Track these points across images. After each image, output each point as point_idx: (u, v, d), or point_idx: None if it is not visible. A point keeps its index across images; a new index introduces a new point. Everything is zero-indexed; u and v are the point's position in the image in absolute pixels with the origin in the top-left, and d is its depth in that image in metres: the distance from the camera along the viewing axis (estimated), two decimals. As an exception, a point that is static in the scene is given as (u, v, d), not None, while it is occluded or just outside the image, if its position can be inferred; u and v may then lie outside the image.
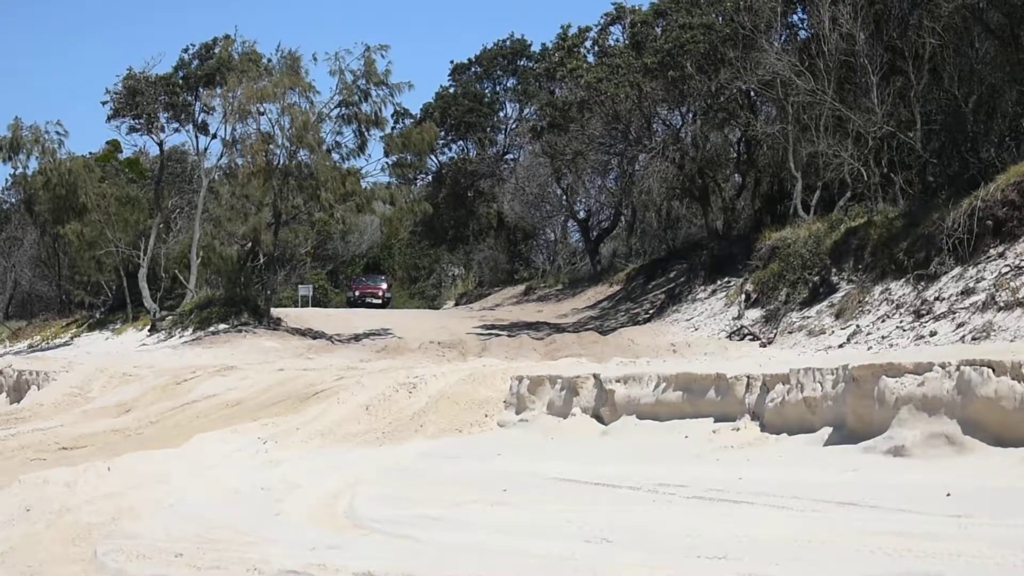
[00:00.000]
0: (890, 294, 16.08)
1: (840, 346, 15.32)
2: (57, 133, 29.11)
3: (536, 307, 34.42)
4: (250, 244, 28.42)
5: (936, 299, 14.75)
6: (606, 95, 26.62)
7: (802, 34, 25.21)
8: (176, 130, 31.78)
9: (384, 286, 46.26)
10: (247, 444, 10.64)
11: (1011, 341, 12.01)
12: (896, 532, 5.00)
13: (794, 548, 4.97)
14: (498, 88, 47.98)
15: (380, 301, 44.51)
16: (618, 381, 9.49)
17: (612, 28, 30.98)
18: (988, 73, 19.07)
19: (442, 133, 43.00)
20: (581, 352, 17.73)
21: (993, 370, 6.17)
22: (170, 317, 28.26)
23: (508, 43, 47.12)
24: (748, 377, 8.15)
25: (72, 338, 32.10)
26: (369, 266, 52.32)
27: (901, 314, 15.23)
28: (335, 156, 27.10)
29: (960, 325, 13.53)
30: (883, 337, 14.79)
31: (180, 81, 30.46)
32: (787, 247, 19.46)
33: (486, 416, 10.74)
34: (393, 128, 30.25)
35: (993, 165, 17.02)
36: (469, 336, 23.35)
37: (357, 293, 45.04)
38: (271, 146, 26.14)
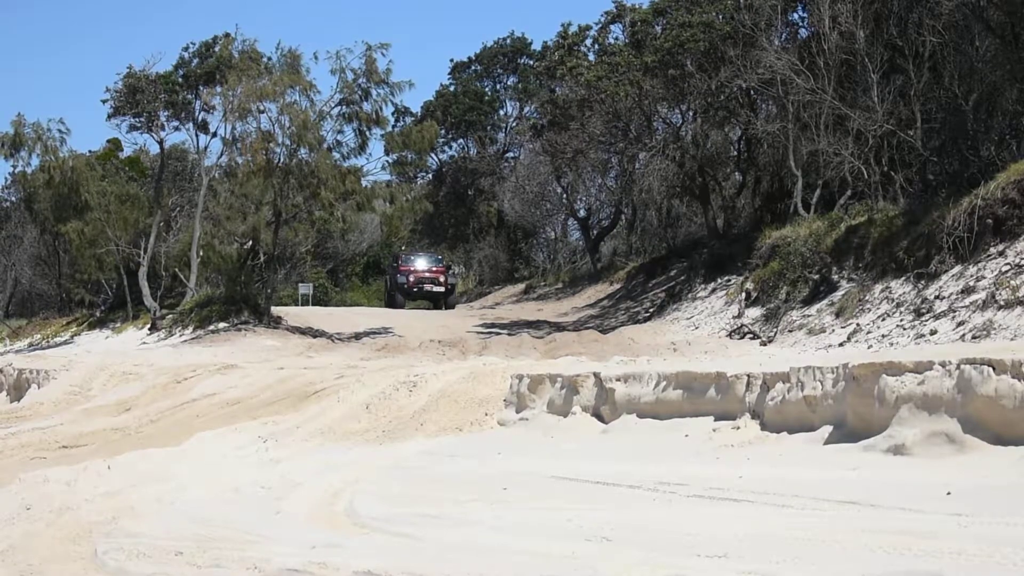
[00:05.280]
0: (890, 292, 16.08)
1: (840, 344, 15.32)
2: (59, 131, 29.11)
3: (536, 306, 34.40)
4: (250, 243, 28.40)
5: (936, 297, 14.75)
6: (606, 93, 26.61)
7: (802, 32, 25.25)
8: (176, 128, 31.82)
9: (444, 268, 34.56)
10: (247, 442, 10.65)
11: (1011, 339, 12.01)
12: (896, 531, 5.00)
13: (794, 547, 4.97)
14: (498, 86, 48.04)
15: (443, 289, 33.38)
16: (618, 380, 9.48)
17: (612, 26, 30.95)
18: (988, 71, 19.06)
19: (442, 131, 42.95)
20: (581, 351, 17.74)
21: (993, 368, 6.17)
22: (170, 316, 28.26)
23: (508, 41, 47.15)
24: (748, 376, 8.15)
25: (72, 336, 32.10)
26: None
27: (901, 313, 15.23)
28: (336, 155, 27.08)
29: (960, 324, 13.53)
30: (883, 336, 14.79)
31: (180, 79, 30.45)
32: (787, 245, 19.46)
33: (486, 415, 10.75)
34: (394, 127, 30.26)
35: (993, 163, 17.02)
36: (469, 335, 23.35)
37: (410, 279, 33.02)
38: (271, 144, 26.10)
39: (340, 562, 5.48)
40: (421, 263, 34.23)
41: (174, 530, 6.84)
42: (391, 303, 34.21)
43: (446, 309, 32.82)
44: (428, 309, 34.03)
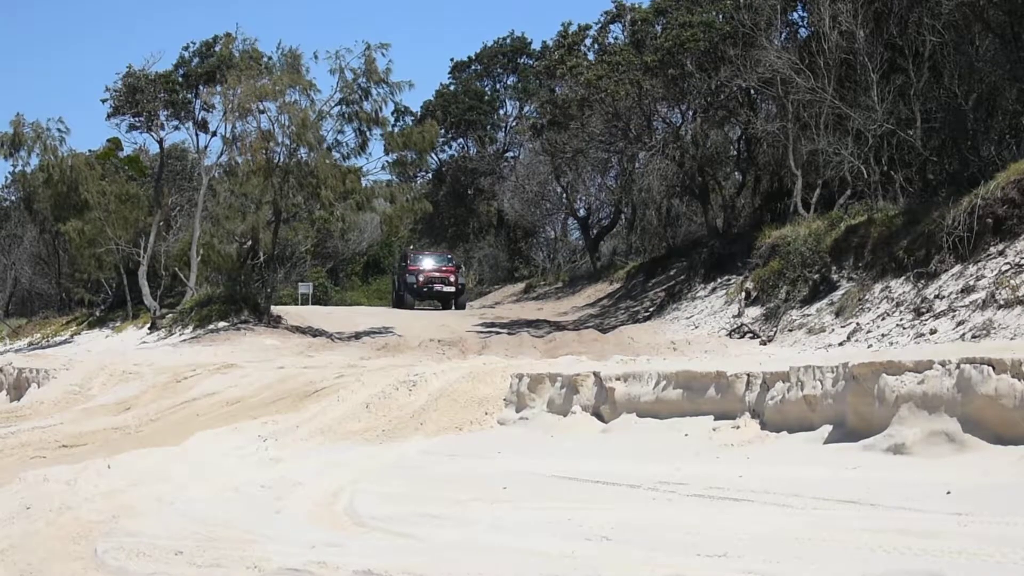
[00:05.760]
0: (890, 292, 16.08)
1: (840, 344, 15.32)
2: (59, 130, 29.11)
3: (536, 305, 34.39)
4: (250, 242, 28.41)
5: (936, 297, 14.76)
6: (606, 93, 26.61)
7: (802, 32, 25.28)
8: (176, 128, 31.83)
9: (454, 267, 33.14)
10: (247, 442, 10.64)
11: (1011, 339, 12.01)
12: (896, 530, 5.00)
13: (794, 546, 4.97)
14: (498, 86, 48.08)
15: (454, 290, 32.25)
16: (618, 379, 9.48)
17: (612, 26, 31.01)
18: (988, 71, 19.07)
19: (442, 131, 42.96)
20: (581, 350, 17.72)
21: (993, 368, 6.16)
22: (170, 315, 28.26)
23: (508, 41, 47.19)
24: (748, 375, 8.14)
25: (72, 336, 32.11)
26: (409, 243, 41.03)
27: (901, 312, 15.23)
28: (336, 154, 27.11)
29: (960, 323, 13.54)
30: (883, 335, 14.80)
31: (180, 79, 30.45)
32: (787, 245, 19.46)
33: (486, 414, 10.74)
34: (393, 126, 30.25)
35: (993, 163, 17.03)
36: (469, 334, 23.35)
37: (420, 279, 32.03)
38: (271, 144, 26.12)
39: (340, 562, 5.48)
40: (430, 262, 33.00)
41: (174, 529, 6.84)
42: (399, 304, 33.04)
43: (457, 310, 31.72)
44: (437, 310, 32.97)
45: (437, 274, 31.96)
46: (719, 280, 23.50)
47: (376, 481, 8.11)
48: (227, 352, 21.37)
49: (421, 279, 31.78)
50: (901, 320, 14.97)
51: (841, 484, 6.03)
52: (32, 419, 14.25)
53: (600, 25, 31.16)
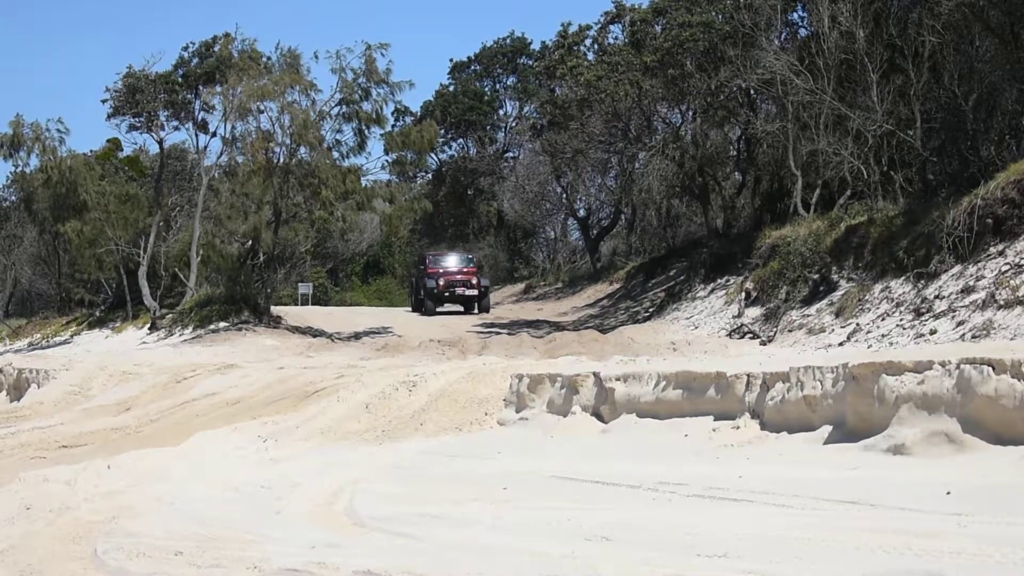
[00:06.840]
0: (890, 292, 16.08)
1: (840, 344, 15.32)
2: (58, 131, 29.08)
3: (536, 305, 34.37)
4: (250, 242, 28.41)
5: (936, 297, 14.76)
6: (606, 93, 26.62)
7: (802, 32, 25.29)
8: (176, 128, 31.84)
9: (475, 268, 30.96)
10: (247, 442, 10.65)
11: (1011, 339, 12.01)
12: (896, 530, 5.00)
13: (794, 546, 4.97)
14: (498, 86, 48.11)
15: (476, 293, 29.79)
16: (618, 379, 9.48)
17: (612, 26, 30.97)
18: (988, 71, 19.07)
19: (442, 131, 42.97)
20: (581, 350, 17.72)
21: (993, 368, 6.17)
22: (170, 315, 28.26)
23: (508, 41, 47.22)
24: (748, 375, 8.14)
25: (72, 336, 32.11)
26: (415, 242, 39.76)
27: (901, 312, 15.23)
28: (335, 154, 27.14)
29: (960, 323, 13.54)
30: (883, 335, 14.80)
31: (180, 79, 30.46)
32: (787, 245, 19.46)
33: (486, 414, 10.74)
34: (393, 126, 30.25)
35: (993, 163, 17.03)
36: (469, 334, 23.34)
37: (441, 283, 29.47)
38: (271, 144, 26.13)
39: (340, 562, 5.48)
40: (451, 263, 30.70)
41: (174, 530, 6.84)
42: (419, 309, 30.79)
43: (480, 313, 29.71)
44: (460, 314, 30.38)
45: (459, 276, 29.74)
46: (719, 280, 23.48)
47: (376, 481, 8.11)
48: (227, 352, 21.37)
49: (442, 282, 29.48)
50: (901, 320, 14.97)
51: (841, 484, 6.03)
52: (32, 419, 14.25)
53: (600, 25, 31.14)
